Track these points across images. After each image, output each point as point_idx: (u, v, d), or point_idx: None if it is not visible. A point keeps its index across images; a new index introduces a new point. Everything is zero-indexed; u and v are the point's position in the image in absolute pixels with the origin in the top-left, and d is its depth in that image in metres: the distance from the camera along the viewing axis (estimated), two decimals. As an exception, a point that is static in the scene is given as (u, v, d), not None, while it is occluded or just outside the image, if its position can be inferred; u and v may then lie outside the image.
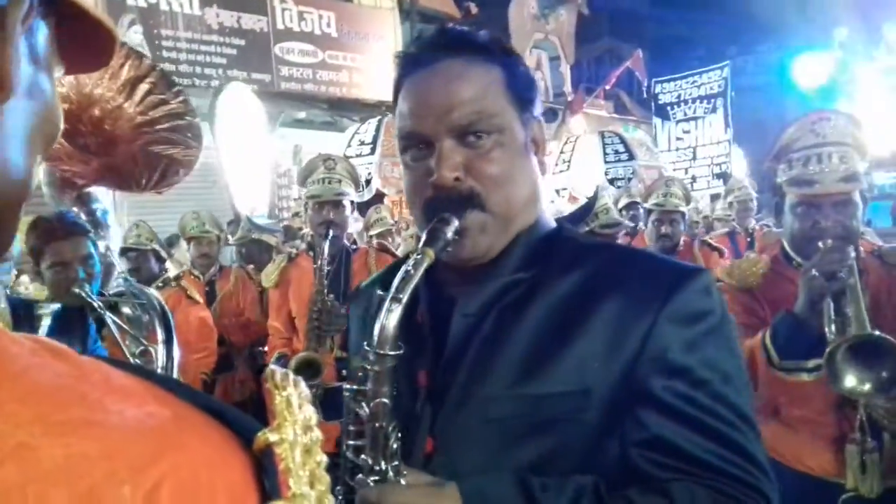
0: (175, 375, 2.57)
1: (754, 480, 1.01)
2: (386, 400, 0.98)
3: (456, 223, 1.05)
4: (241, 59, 9.99)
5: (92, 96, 2.35)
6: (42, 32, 0.52)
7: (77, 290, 2.51)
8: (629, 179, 11.27)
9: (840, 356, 1.79)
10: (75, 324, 2.50)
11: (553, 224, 1.22)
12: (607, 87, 15.10)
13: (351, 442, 1.03)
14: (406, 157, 1.15)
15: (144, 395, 0.50)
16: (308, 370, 3.44)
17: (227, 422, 0.52)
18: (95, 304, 2.50)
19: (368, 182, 7.89)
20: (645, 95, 13.79)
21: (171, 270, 6.49)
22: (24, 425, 0.42)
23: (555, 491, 0.97)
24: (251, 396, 4.86)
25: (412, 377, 1.10)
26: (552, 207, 12.78)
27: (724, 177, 10.68)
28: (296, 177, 9.12)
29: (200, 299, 4.59)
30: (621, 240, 6.38)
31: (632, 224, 6.21)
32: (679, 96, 11.46)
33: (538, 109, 1.20)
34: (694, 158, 10.94)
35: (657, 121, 11.65)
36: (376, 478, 0.97)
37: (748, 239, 6.70)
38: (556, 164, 13.58)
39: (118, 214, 8.42)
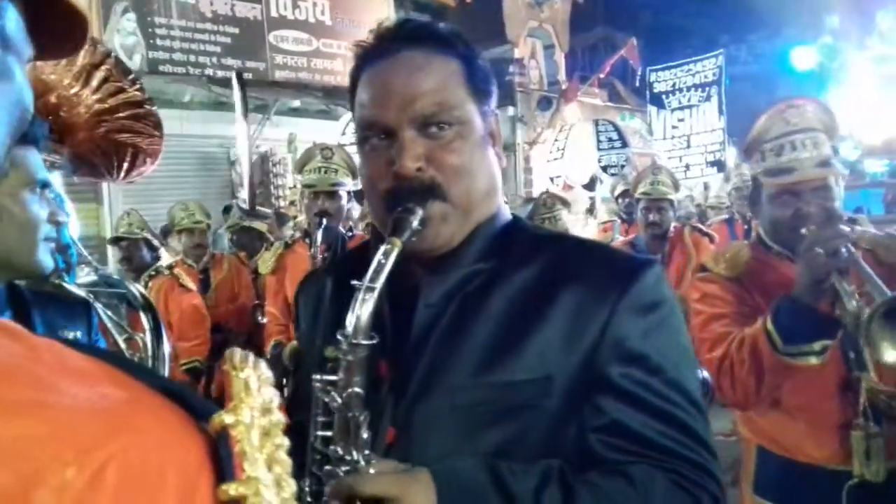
0: (167, 365, 2.57)
1: (704, 461, 1.05)
2: (359, 389, 0.98)
3: (420, 213, 1.06)
4: (235, 48, 9.94)
5: (48, 83, 2.30)
6: (10, 15, 0.51)
7: (57, 281, 2.50)
8: (622, 167, 11.33)
9: (876, 328, 1.76)
10: (80, 316, 2.48)
11: (509, 215, 1.24)
12: (602, 76, 15.10)
13: (320, 433, 1.02)
14: (366, 147, 1.14)
15: (100, 377, 0.50)
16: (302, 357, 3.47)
17: (187, 404, 0.52)
18: (79, 294, 2.50)
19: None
20: (639, 84, 13.83)
21: (166, 259, 6.51)
22: None
23: (522, 474, 0.99)
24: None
25: (373, 367, 1.08)
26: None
27: (718, 165, 10.75)
28: (290, 165, 9.17)
29: (193, 287, 4.58)
30: (619, 228, 6.44)
31: (626, 212, 6.24)
32: (674, 84, 11.51)
33: (494, 103, 1.21)
34: (688, 147, 11.00)
35: (652, 109, 11.70)
36: (347, 468, 0.97)
37: (745, 226, 6.74)
38: (551, 152, 13.63)
39: (113, 203, 8.42)
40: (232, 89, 8.47)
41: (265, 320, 4.57)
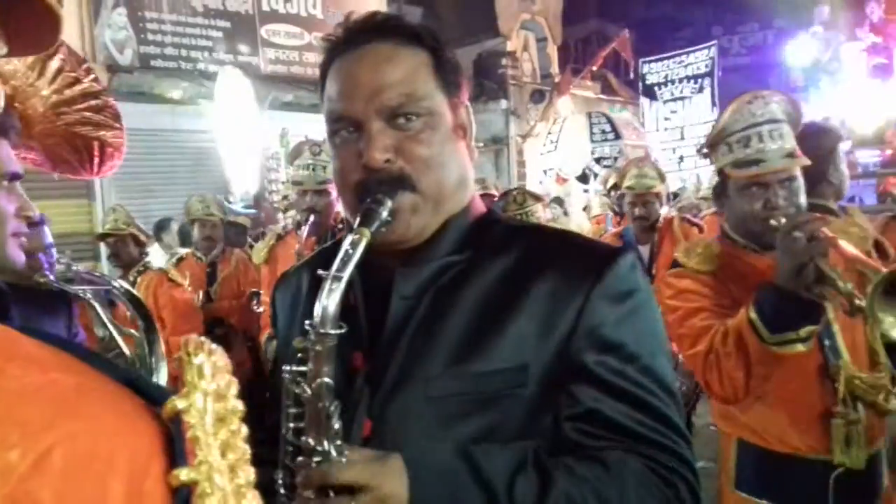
0: (162, 359, 2.56)
1: (678, 447, 1.07)
2: (328, 379, 0.98)
3: (389, 203, 1.06)
4: (226, 42, 9.91)
5: (2, 73, 2.26)
6: None
7: (42, 279, 2.51)
8: (615, 159, 11.34)
9: (878, 307, 1.72)
10: (59, 309, 2.47)
11: (483, 208, 1.24)
12: (594, 69, 15.10)
13: (291, 424, 1.02)
14: (335, 140, 1.15)
15: (52, 363, 0.50)
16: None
17: (144, 392, 0.52)
18: (67, 291, 2.50)
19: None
20: (632, 76, 13.84)
21: (156, 254, 6.52)
22: None
23: (497, 457, 1.00)
24: (250, 379, 4.89)
25: (347, 360, 1.09)
26: (540, 188, 12.84)
27: (710, 157, 10.72)
28: (283, 159, 9.15)
29: (183, 282, 4.58)
30: (611, 221, 6.45)
31: (618, 205, 6.26)
32: (666, 76, 11.53)
33: (465, 95, 1.21)
34: (682, 138, 11.02)
35: (644, 101, 11.73)
36: (319, 459, 0.97)
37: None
38: (544, 145, 13.63)
39: (105, 200, 8.40)
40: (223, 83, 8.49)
41: (260, 309, 4.60)
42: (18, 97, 2.28)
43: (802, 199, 2.11)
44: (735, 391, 2.01)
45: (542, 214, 5.02)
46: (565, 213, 9.56)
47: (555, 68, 15.71)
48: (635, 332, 1.09)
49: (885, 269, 1.70)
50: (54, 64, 2.32)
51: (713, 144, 2.23)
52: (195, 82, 9.38)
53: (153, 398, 0.52)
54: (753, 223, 2.12)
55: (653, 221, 4.72)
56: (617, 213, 6.15)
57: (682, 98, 11.23)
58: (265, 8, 10.42)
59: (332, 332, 0.98)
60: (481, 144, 12.19)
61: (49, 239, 2.73)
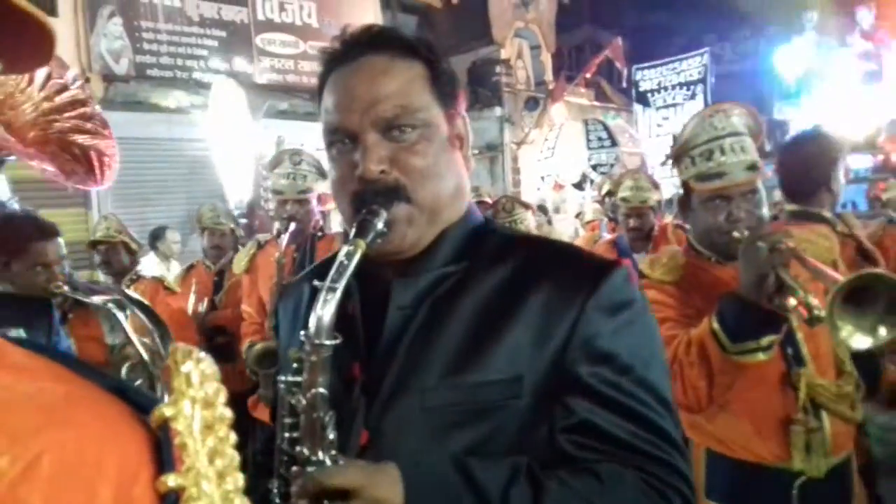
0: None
1: (673, 460, 1.07)
2: (323, 390, 0.99)
3: (385, 214, 1.07)
4: (222, 51, 9.93)
5: None
6: None
7: (57, 290, 2.53)
8: (612, 165, 11.37)
9: (837, 316, 1.72)
10: (39, 316, 2.48)
11: (480, 218, 1.25)
12: (588, 76, 15.15)
13: (286, 434, 1.03)
14: (332, 152, 1.16)
15: (40, 372, 0.51)
16: (268, 359, 3.57)
17: (133, 400, 0.53)
18: (85, 301, 2.52)
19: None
20: (625, 84, 13.88)
21: (150, 263, 6.52)
22: None
23: (492, 469, 1.01)
24: (252, 387, 4.90)
25: (344, 370, 1.10)
26: (537, 195, 12.87)
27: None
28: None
29: (178, 289, 4.58)
30: (606, 227, 6.48)
31: (612, 211, 6.28)
32: (659, 83, 11.59)
33: (462, 106, 1.23)
34: (674, 145, 11.03)
35: (638, 108, 11.77)
36: (313, 469, 0.97)
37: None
38: (542, 152, 13.65)
39: (101, 208, 8.41)
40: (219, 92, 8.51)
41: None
42: (8, 102, 2.27)
43: (764, 211, 2.14)
44: (698, 400, 2.01)
45: (531, 222, 5.05)
46: (549, 222, 9.57)
47: (549, 76, 15.74)
48: (630, 344, 1.09)
49: (842, 279, 1.72)
50: (42, 70, 2.32)
51: (677, 157, 2.25)
52: (191, 91, 9.39)
53: (141, 406, 0.53)
54: (717, 235, 2.14)
55: (647, 231, 4.76)
56: (611, 220, 6.17)
57: (674, 105, 11.30)
58: (260, 17, 10.44)
59: (327, 342, 0.99)
60: (476, 152, 12.20)
61: (63, 251, 2.76)
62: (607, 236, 5.94)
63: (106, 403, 0.52)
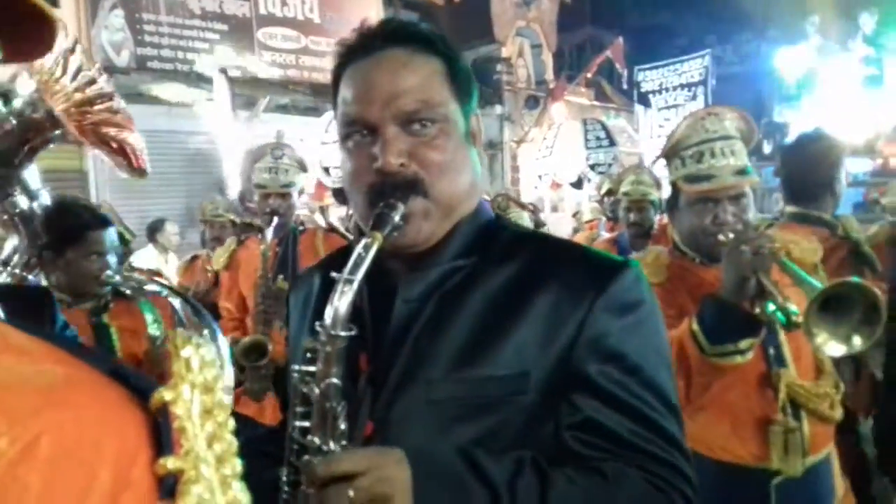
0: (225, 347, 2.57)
1: (676, 462, 1.07)
2: (336, 380, 0.99)
3: (402, 208, 1.07)
4: (223, 45, 9.93)
5: (31, 65, 2.27)
6: None
7: (108, 279, 2.56)
8: (610, 165, 11.38)
9: (813, 322, 1.77)
10: (39, 308, 2.47)
11: (491, 214, 1.25)
12: (588, 76, 15.16)
13: (297, 423, 1.03)
14: (348, 144, 1.15)
15: (42, 355, 0.51)
16: (255, 352, 3.58)
17: (132, 384, 0.53)
18: (128, 292, 2.56)
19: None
20: (625, 85, 13.90)
21: (148, 255, 6.52)
22: None
23: (497, 460, 1.01)
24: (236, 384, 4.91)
25: (352, 361, 1.10)
26: (535, 193, 12.88)
27: (703, 164, 10.79)
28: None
29: (171, 282, 4.61)
30: (604, 226, 6.49)
31: (611, 210, 6.29)
32: (661, 84, 11.60)
33: (475, 103, 1.23)
34: (666, 145, 11.05)
35: (639, 108, 11.78)
36: (323, 457, 0.98)
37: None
38: (540, 150, 13.67)
39: (101, 199, 8.41)
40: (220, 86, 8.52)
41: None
42: (46, 92, 2.29)
43: (751, 216, 2.15)
44: None
45: (527, 221, 5.06)
46: (536, 224, 9.60)
47: (549, 74, 15.75)
48: (639, 344, 1.09)
49: (819, 286, 1.75)
50: (75, 61, 2.33)
51: (668, 157, 2.26)
52: (192, 84, 9.40)
53: (140, 390, 0.53)
54: (702, 237, 2.15)
55: (647, 228, 4.78)
56: (610, 219, 6.18)
57: (675, 106, 11.31)
58: (262, 11, 10.44)
59: (343, 333, 0.99)
60: (476, 149, 12.18)
61: (116, 240, 2.79)
62: (606, 235, 5.96)
63: (105, 386, 0.52)
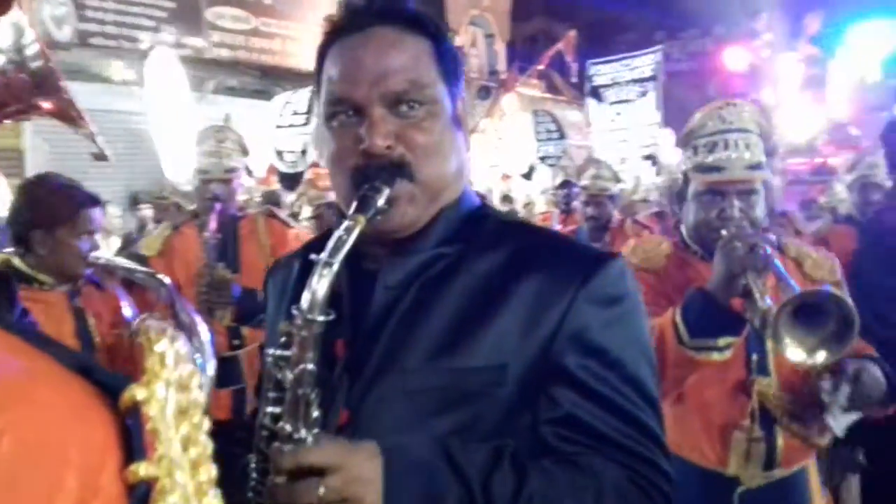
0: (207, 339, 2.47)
1: (655, 458, 1.06)
2: (311, 366, 0.96)
3: (387, 191, 1.04)
4: (170, 23, 9.67)
5: None
6: None
7: (94, 260, 2.47)
8: (559, 158, 11.45)
9: (782, 325, 1.74)
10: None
11: (477, 201, 1.23)
12: (540, 68, 15.22)
13: (269, 409, 1.01)
14: (333, 123, 1.12)
15: None
16: None
17: (98, 380, 0.49)
18: (115, 270, 2.52)
19: (304, 153, 7.78)
20: (574, 79, 13.99)
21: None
22: None
23: (472, 451, 0.99)
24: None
25: (329, 347, 1.07)
26: (484, 184, 12.89)
27: (652, 159, 10.99)
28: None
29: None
30: (557, 219, 6.53)
31: (565, 203, 6.33)
32: (613, 79, 11.67)
33: (462, 85, 1.21)
34: (625, 140, 11.20)
35: (592, 102, 11.85)
36: (294, 446, 0.95)
37: (675, 219, 6.89)
38: (490, 141, 13.68)
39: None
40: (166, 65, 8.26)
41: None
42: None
43: (759, 213, 2.07)
44: None
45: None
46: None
47: (501, 65, 15.79)
48: (621, 339, 1.08)
49: (797, 292, 1.72)
50: (30, 34, 2.28)
51: (683, 145, 2.21)
52: (136, 63, 9.12)
53: (107, 386, 0.49)
54: (705, 230, 2.09)
55: (605, 222, 4.82)
56: (563, 212, 6.22)
57: (627, 101, 11.38)
58: (211, -10, 10.21)
59: (320, 318, 0.97)
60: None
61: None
62: (559, 227, 5.99)
63: (70, 382, 0.48)
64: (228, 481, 1.02)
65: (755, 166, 2.06)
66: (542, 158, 11.59)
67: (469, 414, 1.04)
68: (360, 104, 1.07)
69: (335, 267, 0.97)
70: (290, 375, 0.97)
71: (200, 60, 9.72)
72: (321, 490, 0.89)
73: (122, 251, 5.36)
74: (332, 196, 7.41)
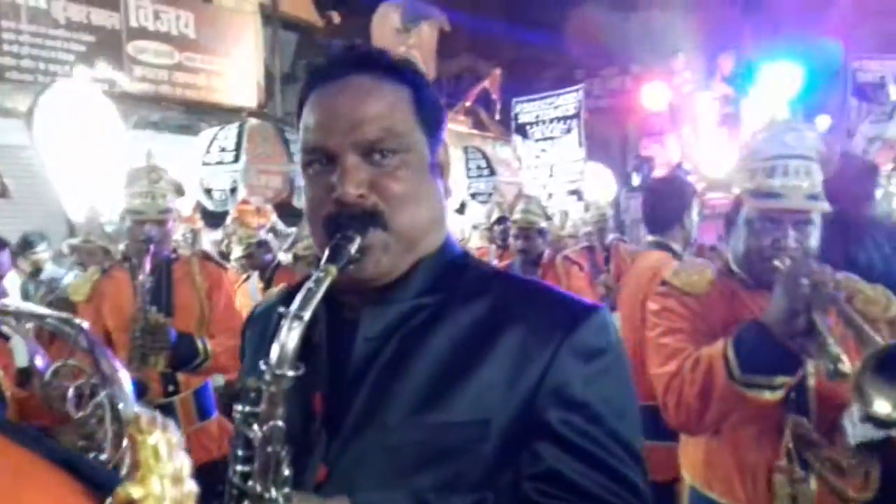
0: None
1: None
2: (280, 423, 0.93)
3: (359, 240, 1.03)
4: (89, 57, 9.36)
5: None
6: None
7: (3, 308, 2.31)
8: (490, 194, 11.59)
9: (867, 378, 1.59)
10: None
11: (459, 250, 1.22)
12: (467, 104, 15.42)
13: (238, 467, 0.96)
14: (309, 171, 1.12)
15: None
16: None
17: (85, 475, 0.47)
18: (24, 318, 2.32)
19: (234, 191, 7.62)
20: (498, 116, 14.21)
21: (12, 280, 6.05)
22: None
23: None
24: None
25: (306, 401, 1.06)
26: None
27: (577, 194, 11.25)
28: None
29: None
30: (494, 254, 6.58)
31: (501, 238, 6.39)
32: (537, 116, 11.97)
33: (444, 133, 1.20)
34: (551, 176, 11.45)
35: (518, 138, 12.10)
36: None
37: (605, 254, 7.05)
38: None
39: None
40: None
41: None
42: None
43: (813, 243, 1.98)
44: (688, 419, 1.91)
45: None
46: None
47: (429, 101, 15.88)
48: (603, 393, 1.06)
49: (882, 343, 1.60)
50: None
51: (738, 167, 2.09)
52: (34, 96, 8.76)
53: (96, 483, 0.46)
54: (756, 259, 1.99)
55: (535, 256, 4.87)
56: (500, 247, 6.27)
57: (552, 138, 11.70)
58: (133, 24, 9.94)
59: (289, 373, 0.93)
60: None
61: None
62: (496, 262, 6.02)
63: (56, 480, 0.45)
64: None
65: (815, 196, 1.96)
66: (473, 195, 11.71)
67: (451, 470, 1.02)
68: (334, 152, 1.07)
69: (305, 319, 0.95)
70: (259, 433, 0.94)
71: (121, 94, 9.43)
72: None
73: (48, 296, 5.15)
74: (262, 234, 7.26)
